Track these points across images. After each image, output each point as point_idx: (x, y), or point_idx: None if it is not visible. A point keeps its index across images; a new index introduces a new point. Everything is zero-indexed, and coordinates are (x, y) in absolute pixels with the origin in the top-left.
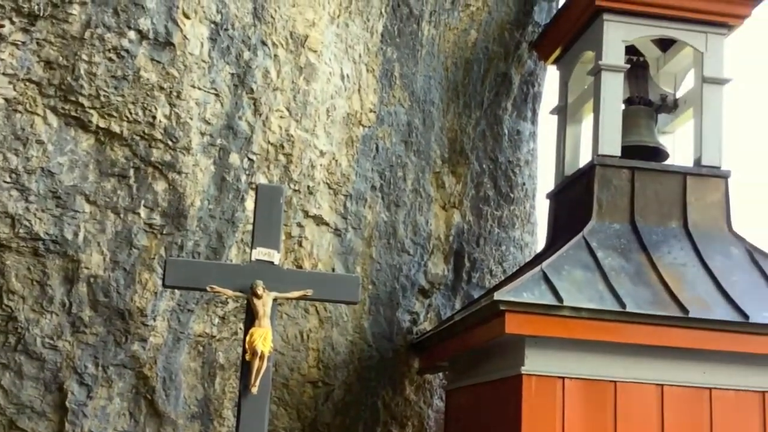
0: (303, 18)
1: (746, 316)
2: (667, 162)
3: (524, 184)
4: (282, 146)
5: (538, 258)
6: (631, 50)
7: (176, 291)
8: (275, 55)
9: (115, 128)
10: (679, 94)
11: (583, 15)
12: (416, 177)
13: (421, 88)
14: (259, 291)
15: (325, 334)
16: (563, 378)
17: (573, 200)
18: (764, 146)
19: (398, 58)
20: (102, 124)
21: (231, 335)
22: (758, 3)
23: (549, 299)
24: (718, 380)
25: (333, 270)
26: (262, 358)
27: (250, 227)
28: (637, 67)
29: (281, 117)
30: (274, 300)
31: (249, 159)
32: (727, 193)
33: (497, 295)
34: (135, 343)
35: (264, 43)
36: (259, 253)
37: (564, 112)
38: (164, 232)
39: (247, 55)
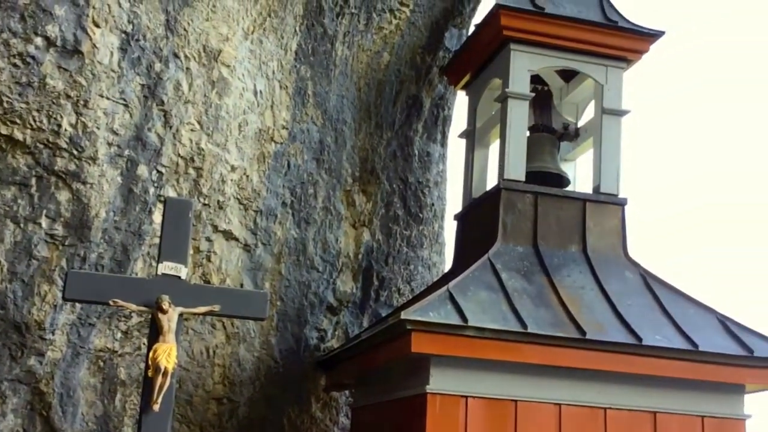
0: (216, 32)
1: (639, 339)
2: (569, 188)
3: (433, 204)
4: (192, 159)
5: (445, 278)
6: (536, 79)
7: (77, 304)
8: (187, 68)
9: (18, 135)
10: (580, 124)
11: (491, 44)
12: (327, 195)
13: (334, 107)
14: (165, 306)
15: (231, 350)
16: (467, 397)
17: (479, 222)
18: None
19: (312, 76)
20: (4, 131)
21: (134, 350)
22: (655, 40)
23: (454, 319)
24: (612, 400)
25: (242, 285)
26: (165, 374)
27: (157, 240)
28: (541, 96)
29: (192, 130)
30: (180, 315)
31: (158, 171)
32: (624, 219)
33: (404, 315)
34: (31, 357)
35: (176, 56)
36: (166, 267)
37: (472, 136)
38: (66, 243)
39: (158, 66)
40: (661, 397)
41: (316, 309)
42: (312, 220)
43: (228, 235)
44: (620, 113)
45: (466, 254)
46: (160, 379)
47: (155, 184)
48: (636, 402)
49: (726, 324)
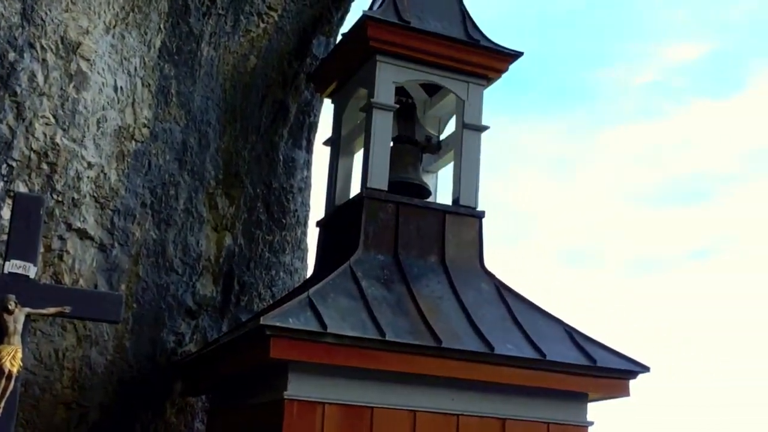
0: (76, 24)
1: (491, 348)
2: (429, 199)
3: (296, 210)
4: (46, 154)
5: (307, 284)
6: (401, 91)
7: None
8: (43, 60)
9: None
10: (442, 137)
11: (358, 54)
12: (189, 196)
13: (198, 108)
14: (11, 306)
15: (83, 353)
16: (324, 403)
17: (342, 230)
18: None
19: (176, 75)
20: None
21: None
22: (514, 60)
23: (314, 326)
24: (465, 407)
25: (96, 287)
26: (9, 377)
27: (5, 237)
28: (406, 108)
29: (47, 124)
30: (28, 316)
31: (8, 165)
32: (481, 231)
33: (263, 320)
34: None
35: (32, 46)
36: (13, 266)
37: (337, 144)
38: None
39: (12, 56)
40: (511, 405)
41: (174, 312)
42: (172, 221)
43: (82, 234)
44: (480, 128)
45: (327, 261)
46: (3, 382)
47: (5, 179)
48: (487, 409)
49: (572, 335)
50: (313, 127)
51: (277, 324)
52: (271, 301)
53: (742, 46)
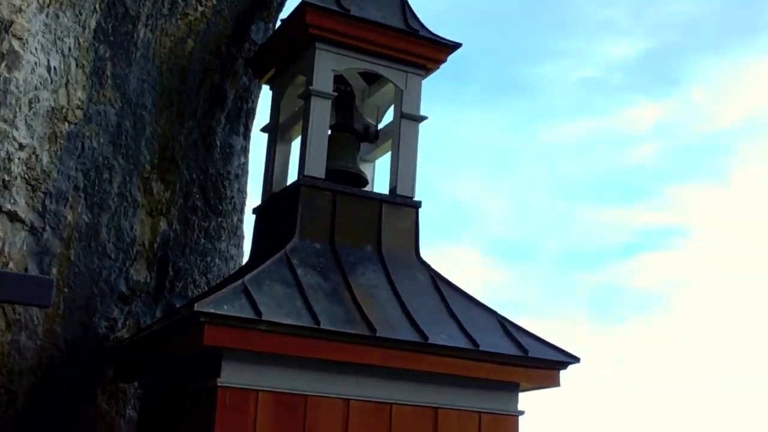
0: (8, 2)
1: (426, 337)
2: (367, 189)
3: (233, 197)
4: None
5: (242, 271)
6: (340, 79)
7: None
8: None
9: None
10: (380, 126)
11: (296, 41)
12: (123, 180)
13: (134, 91)
14: None
15: (11, 338)
16: (257, 391)
17: (278, 217)
18: None
19: (111, 56)
20: None
21: None
22: (452, 51)
23: (248, 313)
24: (398, 396)
25: (26, 270)
26: None
27: None
28: (344, 97)
29: None
30: None
31: None
32: (417, 221)
33: (197, 306)
34: None
35: None
36: None
37: (274, 131)
38: None
39: None
40: (444, 394)
41: (106, 297)
42: (106, 205)
43: (13, 217)
44: (418, 119)
45: (263, 248)
46: None
47: None
48: (420, 398)
49: (505, 326)
50: (250, 114)
51: (211, 311)
52: (206, 288)
53: (678, 44)
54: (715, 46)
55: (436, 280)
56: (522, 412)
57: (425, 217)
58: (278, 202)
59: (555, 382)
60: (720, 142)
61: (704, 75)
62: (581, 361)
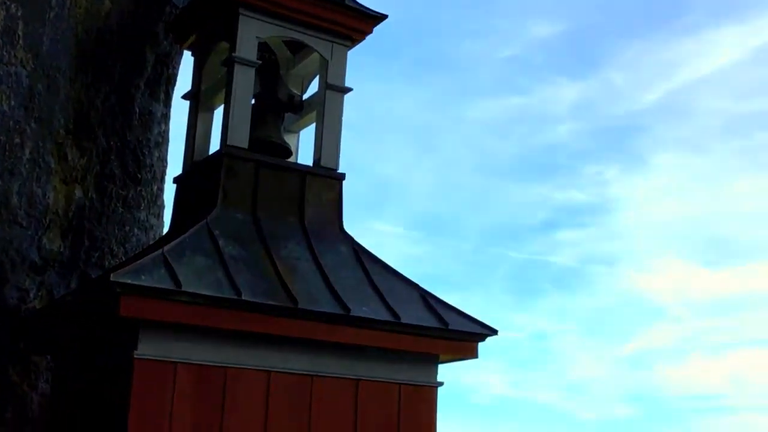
0: None
1: (348, 310)
2: (290, 160)
3: (153, 165)
4: None
5: (162, 241)
6: (264, 48)
7: None
8: None
9: None
10: (305, 97)
11: (219, 5)
12: (36, 146)
13: (48, 52)
14: None
15: None
16: (176, 363)
17: (200, 187)
18: None
19: (23, 15)
20: None
21: None
22: (378, 22)
23: (167, 284)
24: (319, 368)
25: None
26: None
27: None
28: (269, 65)
29: None
30: None
31: None
32: (341, 194)
33: (114, 277)
34: None
35: None
36: None
37: (196, 99)
38: None
39: None
40: (365, 366)
41: (17, 267)
42: (17, 171)
43: None
44: (343, 90)
45: (184, 219)
46: None
47: None
48: (341, 370)
49: (426, 298)
50: (171, 80)
51: (128, 281)
52: (124, 258)
53: (599, 26)
54: (634, 29)
55: (359, 252)
56: (441, 383)
57: (349, 191)
58: (200, 172)
59: (473, 354)
60: (637, 123)
61: (623, 57)
62: (498, 333)
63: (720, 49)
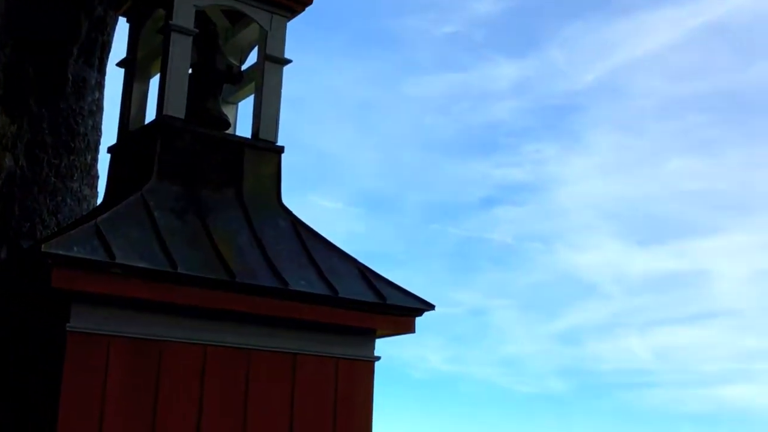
0: None
1: (285, 283)
2: (228, 131)
3: (86, 134)
4: None
5: (95, 212)
6: (203, 16)
7: None
8: None
9: None
10: (243, 68)
11: None
12: None
13: None
14: None
15: None
16: (110, 336)
17: (135, 157)
18: None
19: None
20: None
21: None
22: None
23: (100, 255)
24: (257, 342)
25: None
26: None
27: None
28: (206, 34)
29: None
30: None
31: None
32: (280, 167)
33: (45, 248)
34: None
35: None
36: None
37: (132, 67)
38: None
39: None
40: (302, 340)
41: None
42: None
43: None
44: (282, 61)
45: (119, 189)
46: None
47: None
48: (279, 344)
49: (364, 273)
50: (106, 47)
51: (60, 252)
52: (56, 229)
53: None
54: (574, 8)
55: (298, 227)
56: (378, 358)
57: (290, 165)
58: (135, 142)
59: (410, 329)
60: (575, 102)
61: (562, 36)
62: (436, 308)
63: (657, 31)
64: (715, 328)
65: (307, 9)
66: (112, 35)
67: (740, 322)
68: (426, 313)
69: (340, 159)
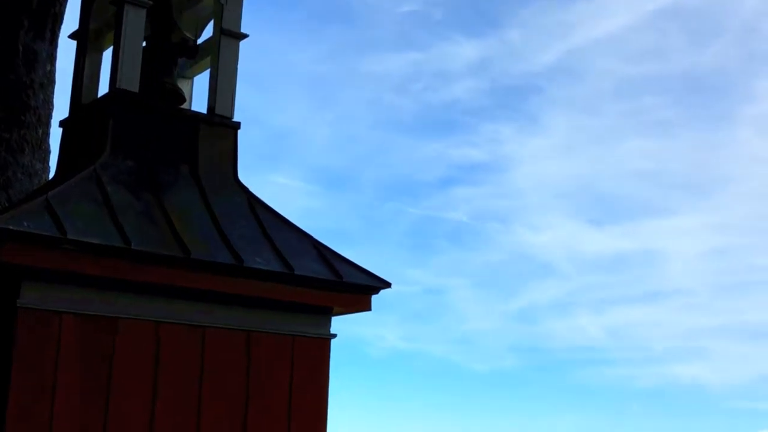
0: None
1: (241, 261)
2: (184, 106)
3: (38, 108)
4: None
5: (47, 187)
6: None
7: None
8: None
9: None
10: (199, 42)
11: None
12: None
13: None
14: None
15: None
16: (62, 313)
17: (88, 132)
18: None
19: None
20: None
21: None
22: None
23: (51, 230)
24: (212, 319)
25: None
26: None
27: None
28: (161, 6)
29: None
30: None
31: None
32: (236, 143)
33: None
34: None
35: None
36: None
37: (84, 39)
38: None
39: None
40: (258, 318)
41: None
42: None
43: None
44: (239, 36)
45: (71, 164)
46: None
47: None
48: (233, 322)
49: (320, 251)
50: (57, 18)
51: (10, 227)
52: (7, 204)
53: None
54: None
55: (254, 203)
56: (334, 335)
57: (246, 142)
58: (87, 116)
59: (366, 307)
60: (532, 83)
61: (521, 16)
62: (392, 286)
63: (614, 13)
64: (666, 306)
65: None
66: (65, 6)
67: (691, 301)
68: (383, 292)
69: (298, 136)
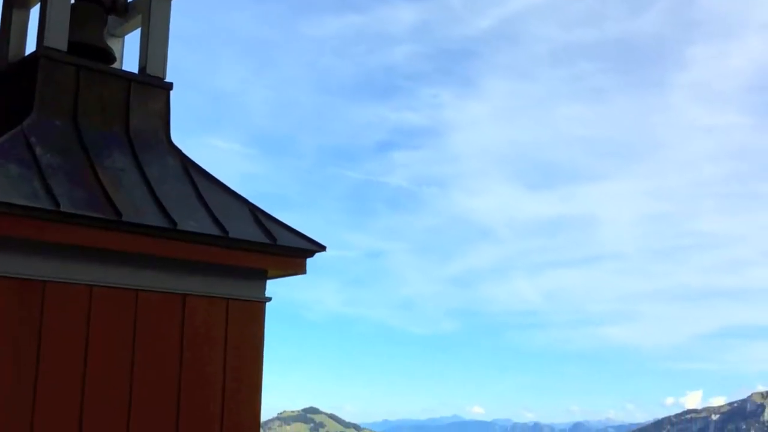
0: None
1: (174, 223)
2: (115, 66)
3: None
4: None
5: None
6: None
7: None
8: None
9: None
10: (129, 0)
11: None
12: None
13: None
14: None
15: None
16: None
17: (14, 91)
18: None
19: None
20: None
21: None
22: None
23: None
24: (145, 282)
25: None
26: None
27: None
28: None
29: None
30: None
31: None
32: (168, 104)
33: None
34: None
35: None
36: None
37: None
38: None
39: None
40: (192, 281)
41: None
42: None
43: None
44: None
45: None
46: None
47: None
48: (168, 285)
49: (255, 214)
50: None
51: None
52: None
53: None
54: None
55: (188, 166)
56: (269, 298)
57: (184, 104)
58: (14, 75)
59: (301, 270)
60: (471, 48)
61: None
62: (326, 249)
63: None
64: (600, 270)
65: None
66: None
67: (624, 265)
68: (323, 256)
69: (236, 100)
